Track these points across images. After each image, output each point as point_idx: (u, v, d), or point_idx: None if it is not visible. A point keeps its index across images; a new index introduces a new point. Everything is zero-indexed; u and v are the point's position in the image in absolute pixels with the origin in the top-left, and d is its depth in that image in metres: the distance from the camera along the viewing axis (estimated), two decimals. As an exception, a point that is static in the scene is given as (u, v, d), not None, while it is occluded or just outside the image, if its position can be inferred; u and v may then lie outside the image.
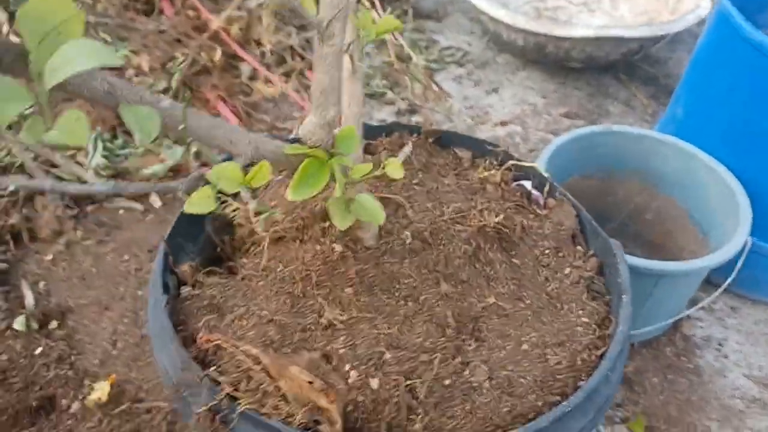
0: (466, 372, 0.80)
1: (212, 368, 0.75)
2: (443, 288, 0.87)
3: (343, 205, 0.71)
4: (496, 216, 0.96)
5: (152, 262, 1.56)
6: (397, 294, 0.86)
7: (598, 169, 1.62)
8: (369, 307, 0.84)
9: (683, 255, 1.60)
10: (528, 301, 0.90)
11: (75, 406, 1.30)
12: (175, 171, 1.80)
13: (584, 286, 0.91)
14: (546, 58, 2.30)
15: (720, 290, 1.50)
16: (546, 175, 1.02)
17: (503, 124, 2.09)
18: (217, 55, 2.09)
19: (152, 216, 1.74)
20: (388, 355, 0.79)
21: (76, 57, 0.44)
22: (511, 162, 1.05)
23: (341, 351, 0.79)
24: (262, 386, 0.73)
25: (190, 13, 2.22)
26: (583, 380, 0.79)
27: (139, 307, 1.50)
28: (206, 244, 0.97)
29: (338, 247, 0.88)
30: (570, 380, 0.79)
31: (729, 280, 1.42)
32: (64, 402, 1.31)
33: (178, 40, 2.14)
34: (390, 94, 2.21)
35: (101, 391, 1.31)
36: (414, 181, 1.05)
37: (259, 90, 2.09)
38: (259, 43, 2.19)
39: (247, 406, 0.71)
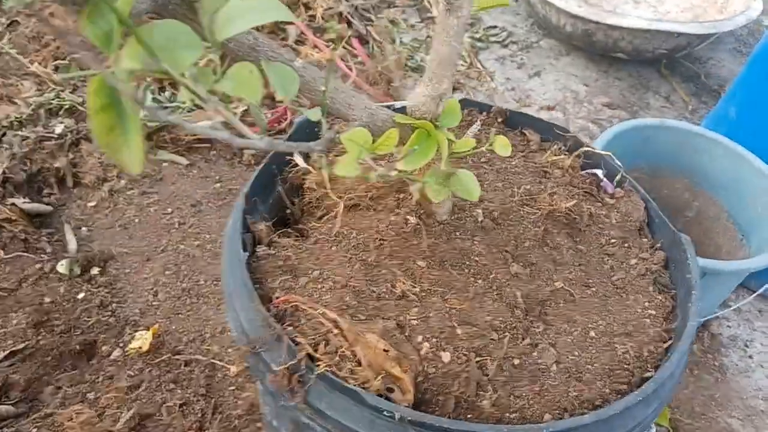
0: (535, 354, 0.81)
1: (291, 328, 0.77)
2: (513, 268, 0.88)
3: (442, 179, 0.71)
4: (567, 201, 0.97)
5: (194, 217, 1.57)
6: (467, 270, 0.87)
7: (646, 163, 1.62)
8: (440, 281, 0.84)
9: (720, 255, 1.60)
10: (594, 289, 0.91)
11: (116, 353, 1.32)
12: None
13: (651, 278, 0.92)
14: (592, 46, 2.28)
15: (755, 294, 1.51)
16: (619, 164, 1.02)
17: (549, 108, 2.08)
18: (265, 14, 2.08)
19: (195, 171, 1.75)
20: (459, 330, 0.80)
21: (250, 10, 0.44)
22: (583, 149, 1.05)
23: (414, 322, 0.80)
24: (339, 350, 0.75)
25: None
26: (649, 372, 0.81)
27: (182, 261, 1.51)
28: (276, 206, 0.98)
29: (412, 219, 0.88)
30: (637, 371, 0.80)
31: (745, 301, 1.43)
32: (105, 348, 1.33)
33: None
34: (433, 69, 2.20)
35: (142, 340, 1.33)
36: (482, 160, 1.06)
37: (306, 55, 2.07)
38: (307, 7, 2.18)
39: (326, 368, 0.72)
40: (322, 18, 2.13)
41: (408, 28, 2.38)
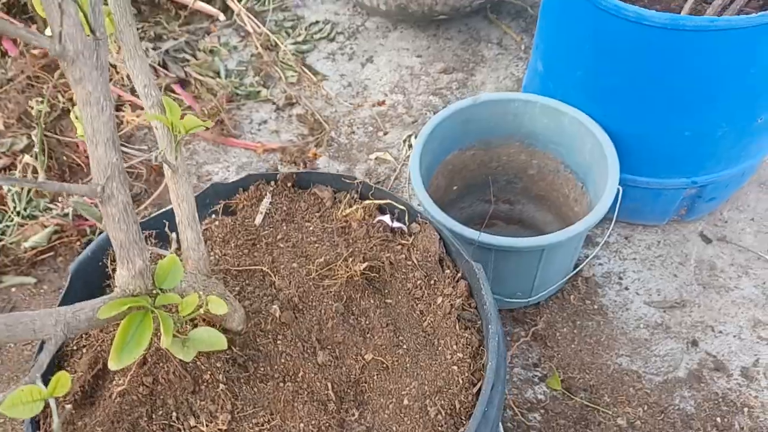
0: (355, 446, 0.82)
1: None
2: (320, 357, 0.88)
3: (179, 344, 0.69)
4: (363, 262, 0.97)
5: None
6: (276, 376, 0.86)
7: (476, 140, 1.63)
8: (248, 401, 0.84)
9: (569, 203, 1.65)
10: (405, 346, 0.92)
11: None
12: (61, 233, 1.73)
13: (455, 316, 0.93)
14: (412, 17, 2.26)
15: (603, 243, 1.56)
16: (400, 205, 1.03)
17: (380, 104, 2.06)
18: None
19: (47, 286, 1.69)
20: (273, 454, 0.80)
21: None
22: (366, 202, 1.04)
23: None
24: None
25: (36, 51, 2.07)
26: (463, 424, 0.83)
27: (52, 392, 1.47)
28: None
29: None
30: (451, 429, 0.82)
31: (606, 235, 1.48)
32: None
33: (30, 85, 2.01)
34: (264, 91, 2.14)
35: None
36: (279, 237, 1.04)
37: (129, 119, 1.99)
38: (116, 70, 2.08)
39: None
40: (129, 78, 2.04)
41: (230, 52, 2.30)
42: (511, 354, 1.54)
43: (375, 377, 0.88)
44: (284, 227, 1.06)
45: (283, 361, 0.87)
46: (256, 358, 0.87)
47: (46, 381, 0.58)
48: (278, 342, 0.89)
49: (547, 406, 1.45)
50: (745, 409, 1.42)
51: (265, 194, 1.10)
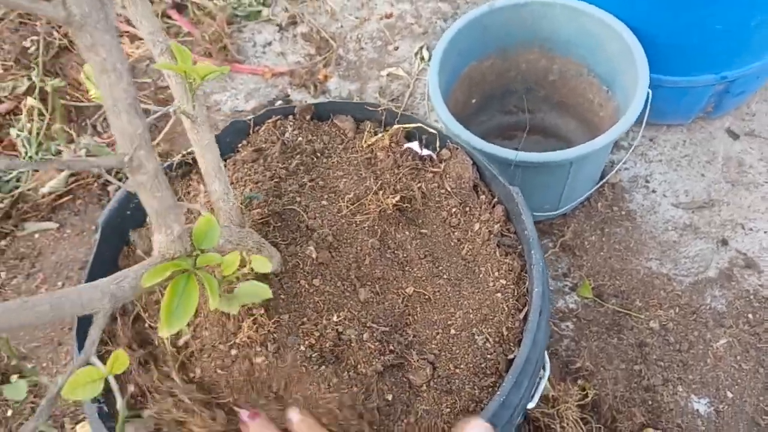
0: (409, 376, 0.82)
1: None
2: (361, 295, 0.87)
3: (225, 300, 0.68)
4: (394, 194, 0.94)
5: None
6: (318, 318, 0.86)
7: (494, 49, 1.56)
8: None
9: (594, 108, 1.60)
10: (446, 276, 0.91)
11: (66, 452, 1.34)
12: (77, 176, 1.71)
13: (495, 242, 0.92)
14: None
15: (631, 149, 1.52)
16: (431, 130, 0.99)
17: (388, 16, 1.96)
18: (68, 27, 1.90)
19: (69, 230, 1.68)
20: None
21: None
22: (394, 127, 1.00)
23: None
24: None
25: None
26: (512, 351, 0.83)
27: (91, 335, 1.49)
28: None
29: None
30: (500, 357, 0.82)
31: (636, 141, 1.43)
32: (54, 452, 1.34)
33: (23, 23, 1.93)
34: (265, 10, 2.05)
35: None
36: (305, 179, 1.01)
37: (129, 52, 1.92)
38: (107, -1, 1.98)
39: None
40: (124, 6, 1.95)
41: (226, -31, 2.18)
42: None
43: (419, 310, 0.88)
44: (310, 161, 1.03)
45: (322, 298, 0.87)
46: (298, 300, 0.87)
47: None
48: (316, 282, 0.88)
49: (579, 314, 1.47)
50: (778, 305, 1.43)
51: (287, 129, 1.06)
